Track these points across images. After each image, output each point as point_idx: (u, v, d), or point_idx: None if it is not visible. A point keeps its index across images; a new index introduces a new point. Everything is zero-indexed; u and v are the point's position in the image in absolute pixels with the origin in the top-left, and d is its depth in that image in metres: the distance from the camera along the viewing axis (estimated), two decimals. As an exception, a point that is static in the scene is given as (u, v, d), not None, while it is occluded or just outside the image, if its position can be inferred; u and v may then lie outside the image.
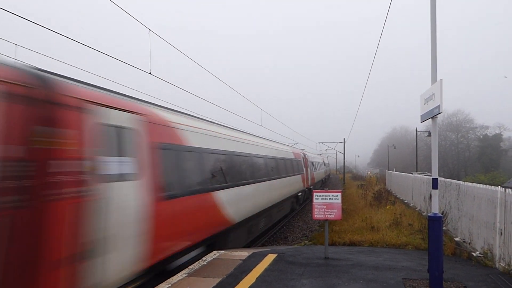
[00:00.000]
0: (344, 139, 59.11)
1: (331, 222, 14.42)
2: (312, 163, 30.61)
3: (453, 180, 11.18)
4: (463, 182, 10.28)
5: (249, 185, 11.51)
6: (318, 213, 8.20)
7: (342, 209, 8.78)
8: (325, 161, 51.53)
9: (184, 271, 6.82)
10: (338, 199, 8.18)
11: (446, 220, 11.04)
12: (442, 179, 12.24)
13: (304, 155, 27.17)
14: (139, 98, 7.12)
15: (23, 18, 6.73)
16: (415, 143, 46.03)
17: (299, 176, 22.42)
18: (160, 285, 6.07)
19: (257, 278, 6.46)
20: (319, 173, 36.70)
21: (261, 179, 13.24)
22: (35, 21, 7.12)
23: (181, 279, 6.35)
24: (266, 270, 7.04)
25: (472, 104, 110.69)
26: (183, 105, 14.89)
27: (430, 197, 11.57)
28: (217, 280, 6.29)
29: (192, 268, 7.03)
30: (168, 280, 6.33)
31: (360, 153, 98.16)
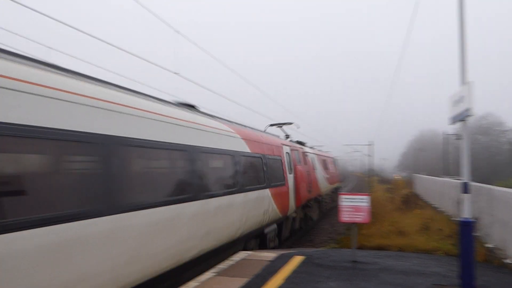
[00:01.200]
0: (371, 142, 58.32)
1: (357, 226, 14.28)
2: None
3: (483, 185, 10.90)
4: (495, 187, 10.01)
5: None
6: (345, 216, 8.18)
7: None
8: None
9: (212, 270, 6.97)
10: (366, 202, 8.15)
11: (477, 226, 10.76)
12: (472, 183, 11.92)
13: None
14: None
15: (50, 18, 7.04)
16: (442, 147, 44.77)
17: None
18: (189, 283, 6.23)
19: (285, 279, 6.52)
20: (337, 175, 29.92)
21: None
22: (65, 23, 7.41)
23: (210, 278, 6.49)
24: (293, 271, 7.09)
25: (502, 106, 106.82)
26: (209, 104, 15.16)
27: (461, 202, 11.31)
28: (245, 280, 6.40)
29: (220, 268, 7.16)
30: (197, 278, 6.49)
31: (387, 156, 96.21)
